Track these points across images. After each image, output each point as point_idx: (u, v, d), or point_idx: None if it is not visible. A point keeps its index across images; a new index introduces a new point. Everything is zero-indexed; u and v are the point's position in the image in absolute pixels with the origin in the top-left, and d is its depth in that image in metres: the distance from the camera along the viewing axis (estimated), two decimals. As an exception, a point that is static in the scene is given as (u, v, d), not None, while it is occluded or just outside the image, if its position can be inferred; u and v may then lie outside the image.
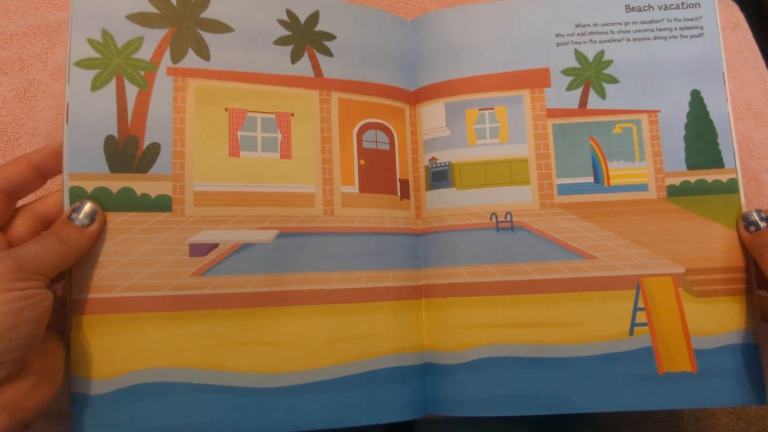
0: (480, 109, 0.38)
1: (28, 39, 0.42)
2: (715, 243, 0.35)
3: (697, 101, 0.36)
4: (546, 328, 0.35)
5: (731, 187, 0.36)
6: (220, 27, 0.35)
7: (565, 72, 0.37)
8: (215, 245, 0.33)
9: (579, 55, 0.37)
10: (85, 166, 0.31)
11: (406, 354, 0.35)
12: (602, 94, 0.37)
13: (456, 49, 0.38)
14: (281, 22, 0.36)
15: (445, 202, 0.37)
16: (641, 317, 0.35)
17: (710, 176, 0.36)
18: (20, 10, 0.43)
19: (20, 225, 0.30)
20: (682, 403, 0.34)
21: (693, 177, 0.36)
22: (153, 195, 0.32)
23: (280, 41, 0.36)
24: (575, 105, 0.37)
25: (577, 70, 0.37)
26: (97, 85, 0.32)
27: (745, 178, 0.42)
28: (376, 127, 0.37)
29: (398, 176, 0.38)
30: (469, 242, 0.36)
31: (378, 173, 0.37)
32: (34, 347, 0.27)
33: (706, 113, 0.36)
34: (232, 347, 0.32)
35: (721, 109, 0.36)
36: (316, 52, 0.36)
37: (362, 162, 0.37)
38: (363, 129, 0.37)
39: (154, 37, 0.33)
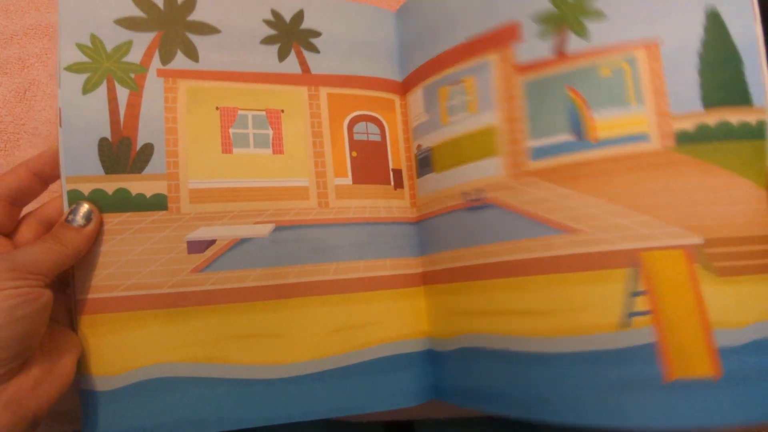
0: (450, 85, 0.35)
1: (28, 39, 0.42)
2: (743, 205, 0.27)
3: (715, 24, 0.28)
4: (516, 316, 0.30)
5: (761, 131, 0.27)
6: (207, 29, 0.35)
7: (539, 19, 0.31)
8: (212, 241, 0.33)
9: None
10: (81, 168, 0.32)
11: (408, 341, 0.35)
12: (583, 33, 0.30)
13: (432, 26, 0.36)
14: (267, 22, 0.37)
15: (428, 188, 0.37)
16: (641, 304, 0.27)
17: (734, 116, 0.27)
18: (20, 10, 0.43)
19: (26, 231, 0.32)
20: (700, 420, 0.25)
21: (712, 118, 0.27)
22: (148, 194, 0.33)
23: (267, 40, 0.36)
24: (551, 54, 0.31)
25: (554, 16, 0.31)
26: (88, 88, 0.32)
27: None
28: (367, 119, 0.38)
29: (391, 166, 0.38)
30: (444, 227, 0.35)
31: (370, 164, 0.37)
32: (34, 344, 0.27)
33: (727, 36, 0.27)
34: (235, 341, 0.33)
35: (747, 31, 0.27)
36: (302, 49, 0.37)
37: (354, 154, 0.37)
38: (353, 121, 0.38)
39: (142, 41, 0.34)
